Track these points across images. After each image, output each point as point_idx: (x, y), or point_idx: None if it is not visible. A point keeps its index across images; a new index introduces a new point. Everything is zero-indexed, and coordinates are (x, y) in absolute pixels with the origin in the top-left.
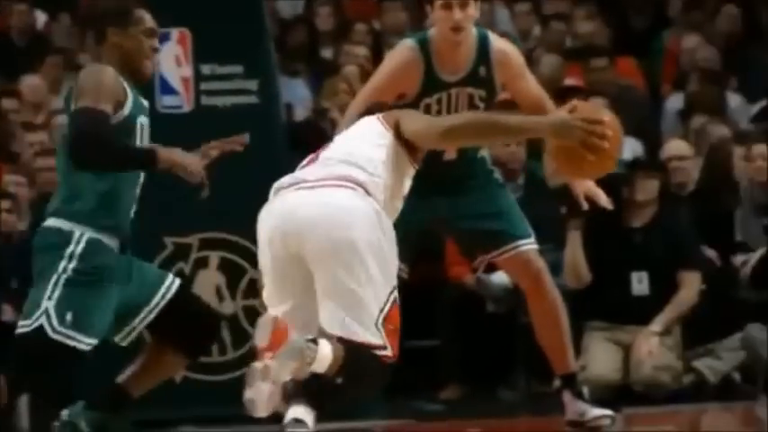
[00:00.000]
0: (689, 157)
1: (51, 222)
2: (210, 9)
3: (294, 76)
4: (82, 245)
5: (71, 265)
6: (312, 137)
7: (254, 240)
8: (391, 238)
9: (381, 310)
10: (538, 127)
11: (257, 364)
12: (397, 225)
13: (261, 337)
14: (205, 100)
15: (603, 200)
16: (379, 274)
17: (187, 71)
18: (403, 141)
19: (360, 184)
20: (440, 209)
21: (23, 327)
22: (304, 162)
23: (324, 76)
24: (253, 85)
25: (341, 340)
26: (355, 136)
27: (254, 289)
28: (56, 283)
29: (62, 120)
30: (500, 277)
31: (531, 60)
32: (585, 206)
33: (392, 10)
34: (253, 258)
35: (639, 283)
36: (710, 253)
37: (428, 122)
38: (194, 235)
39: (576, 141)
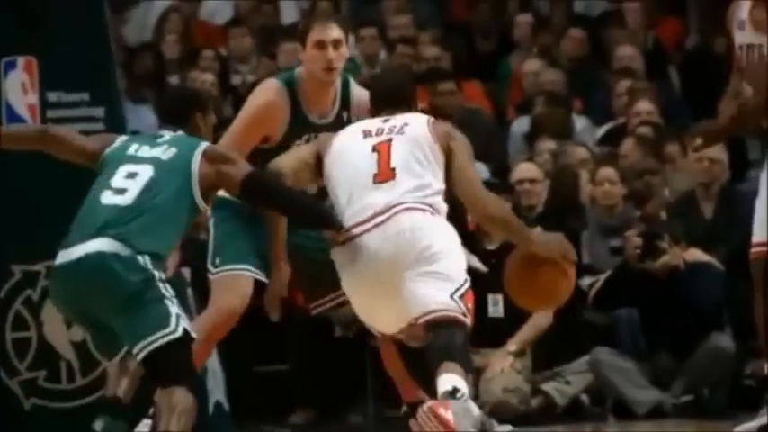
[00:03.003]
0: (539, 180)
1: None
2: (56, 37)
3: (141, 103)
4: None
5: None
6: None
7: None
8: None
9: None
10: (530, 236)
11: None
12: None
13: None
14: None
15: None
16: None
17: (33, 99)
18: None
19: (423, 205)
20: (298, 240)
21: (166, 337)
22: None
23: None
24: (99, 112)
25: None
26: (407, 153)
27: None
28: (165, 296)
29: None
30: None
31: None
32: None
33: (238, 36)
34: None
35: (495, 306)
36: None
37: (479, 187)
38: (42, 263)
39: (551, 254)
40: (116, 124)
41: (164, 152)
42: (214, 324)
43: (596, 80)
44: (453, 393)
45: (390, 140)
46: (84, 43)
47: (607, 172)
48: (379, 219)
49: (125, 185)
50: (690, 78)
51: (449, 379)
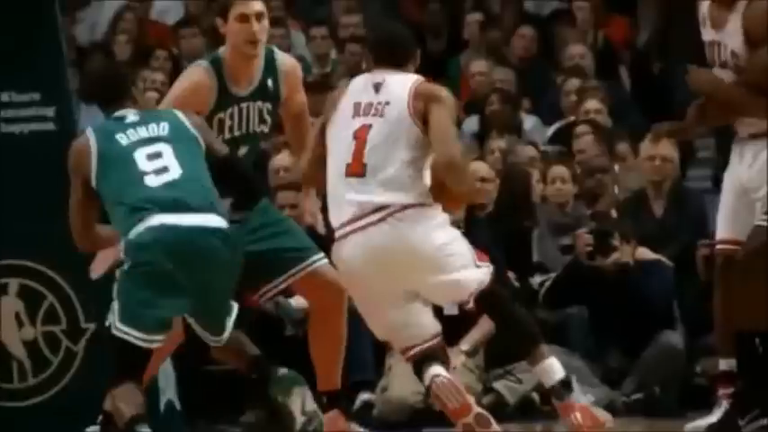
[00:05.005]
0: (490, 179)
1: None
2: (7, 36)
3: (92, 103)
4: None
5: None
6: None
7: (52, 267)
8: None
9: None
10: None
11: (470, 421)
12: None
13: (454, 399)
14: (3, 127)
15: None
16: (453, 247)
17: None
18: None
19: (400, 205)
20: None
21: None
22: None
23: None
24: (50, 111)
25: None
26: (383, 141)
27: (54, 315)
28: None
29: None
30: (299, 301)
31: (329, 85)
32: None
33: (189, 36)
34: (52, 284)
35: (450, 304)
36: (508, 274)
37: (453, 141)
38: None
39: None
40: (67, 124)
41: (158, 129)
42: None
43: (546, 79)
44: (568, 385)
45: (370, 126)
46: (35, 43)
47: (559, 170)
48: (373, 218)
49: (160, 165)
50: (640, 77)
51: (554, 367)
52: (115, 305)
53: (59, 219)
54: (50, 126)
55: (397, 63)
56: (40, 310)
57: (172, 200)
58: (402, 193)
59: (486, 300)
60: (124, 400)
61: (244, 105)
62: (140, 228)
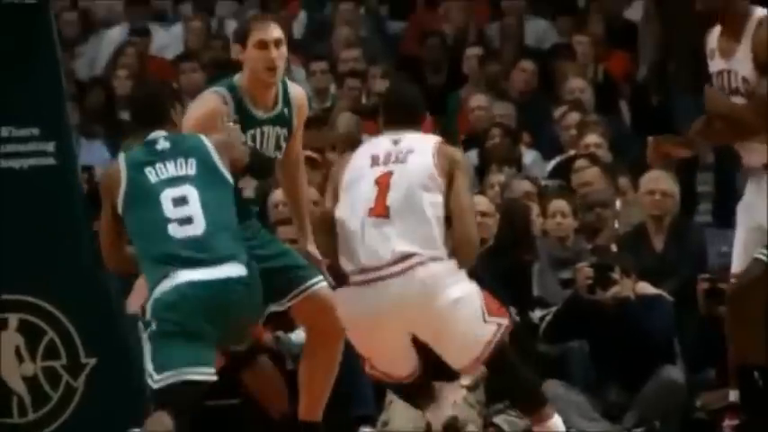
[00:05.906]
0: (490, 214)
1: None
2: (7, 71)
3: (92, 138)
4: None
5: None
6: None
7: (52, 302)
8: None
9: (482, 310)
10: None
11: None
12: None
13: None
14: (3, 162)
15: None
16: (466, 302)
17: None
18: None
19: (423, 258)
20: None
21: None
22: (361, 213)
23: (122, 138)
24: (50, 147)
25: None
26: (405, 186)
27: (54, 350)
28: None
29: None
30: (299, 335)
31: (328, 120)
32: None
33: (188, 71)
34: (52, 320)
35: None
36: (509, 308)
37: (472, 219)
38: None
39: None
40: (67, 159)
41: (186, 167)
42: None
43: (546, 113)
44: None
45: (391, 173)
46: (35, 77)
47: (559, 204)
48: (393, 269)
49: (185, 214)
50: (640, 111)
51: (557, 424)
52: (149, 366)
53: (59, 254)
54: (50, 161)
55: (410, 124)
56: (40, 346)
57: (194, 257)
58: (421, 246)
59: (494, 362)
60: (153, 424)
61: (265, 129)
62: (166, 286)
